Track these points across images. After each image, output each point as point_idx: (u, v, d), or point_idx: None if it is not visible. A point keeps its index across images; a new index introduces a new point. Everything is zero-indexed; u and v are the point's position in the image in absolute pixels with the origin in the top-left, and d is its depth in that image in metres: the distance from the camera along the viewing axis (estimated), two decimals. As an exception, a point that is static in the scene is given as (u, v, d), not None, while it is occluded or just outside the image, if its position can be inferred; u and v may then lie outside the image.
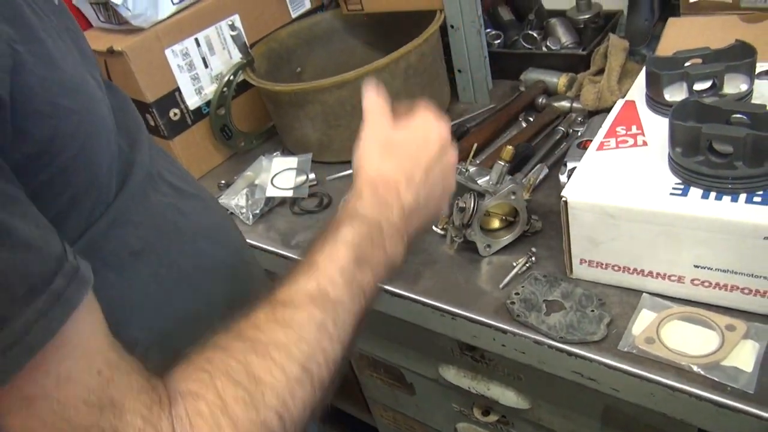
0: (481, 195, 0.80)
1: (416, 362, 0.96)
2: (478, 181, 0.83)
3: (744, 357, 0.61)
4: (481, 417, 0.92)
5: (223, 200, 1.05)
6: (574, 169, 0.82)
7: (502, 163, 0.82)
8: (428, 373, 0.95)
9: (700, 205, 0.63)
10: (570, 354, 0.68)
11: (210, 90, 1.17)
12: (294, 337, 0.44)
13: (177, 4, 1.10)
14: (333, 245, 0.49)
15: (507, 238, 0.82)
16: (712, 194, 0.63)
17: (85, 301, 0.36)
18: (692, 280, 0.67)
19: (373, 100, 0.60)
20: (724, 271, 0.64)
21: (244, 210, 1.04)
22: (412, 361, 0.97)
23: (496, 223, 0.84)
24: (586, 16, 1.18)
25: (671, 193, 0.65)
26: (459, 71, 1.18)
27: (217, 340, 0.43)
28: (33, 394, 0.34)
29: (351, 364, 1.11)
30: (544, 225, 0.84)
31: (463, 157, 0.93)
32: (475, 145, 0.86)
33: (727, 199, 0.62)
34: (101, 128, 0.46)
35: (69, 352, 0.35)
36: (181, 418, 0.38)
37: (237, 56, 1.15)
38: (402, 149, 0.56)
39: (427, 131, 0.58)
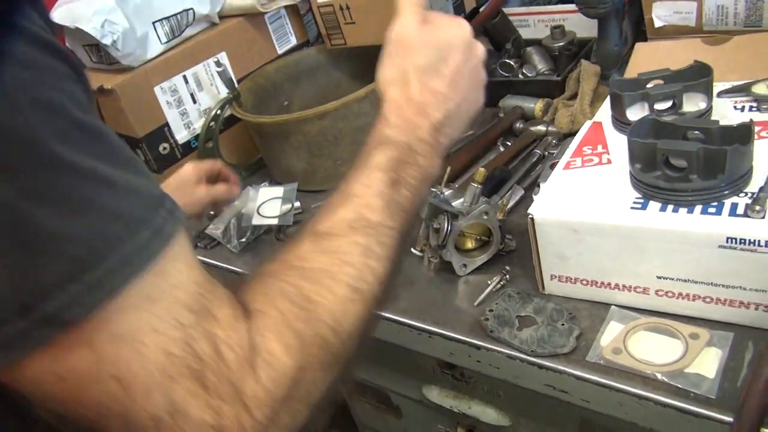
0: (454, 216, 0.82)
1: (401, 383, 0.97)
2: (453, 203, 0.86)
3: (707, 364, 0.63)
4: (466, 437, 0.93)
5: (211, 229, 1.08)
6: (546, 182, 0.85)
7: (476, 185, 0.84)
8: (413, 394, 0.96)
9: (658, 217, 0.65)
10: (541, 367, 0.69)
11: (198, 124, 1.21)
12: (339, 264, 0.46)
13: (165, 43, 1.15)
14: (366, 172, 0.51)
15: (481, 258, 0.85)
16: (670, 207, 0.66)
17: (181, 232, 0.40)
18: (656, 291, 0.69)
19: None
20: (685, 280, 0.66)
21: (231, 239, 1.06)
22: (396, 382, 0.98)
23: (471, 244, 0.86)
24: (561, 44, 1.23)
25: (632, 207, 0.68)
26: (439, 100, 1.22)
27: (266, 268, 0.46)
28: (152, 294, 0.37)
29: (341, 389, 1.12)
30: (518, 244, 0.87)
31: (437, 182, 0.96)
32: (449, 169, 0.89)
33: (683, 211, 0.65)
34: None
35: (176, 264, 0.39)
36: (257, 328, 0.41)
37: (224, 91, 1.20)
38: (427, 60, 0.56)
39: (448, 33, 0.57)
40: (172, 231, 0.39)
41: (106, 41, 1.05)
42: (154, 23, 1.12)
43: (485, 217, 0.82)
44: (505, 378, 0.74)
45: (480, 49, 0.61)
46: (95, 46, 1.12)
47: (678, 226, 0.63)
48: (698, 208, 0.64)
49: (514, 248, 0.86)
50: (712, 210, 0.64)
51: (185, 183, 0.95)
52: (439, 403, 0.90)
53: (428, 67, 0.56)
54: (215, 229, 1.09)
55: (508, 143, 1.12)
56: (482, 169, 0.84)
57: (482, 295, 0.80)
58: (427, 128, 0.54)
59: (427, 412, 0.97)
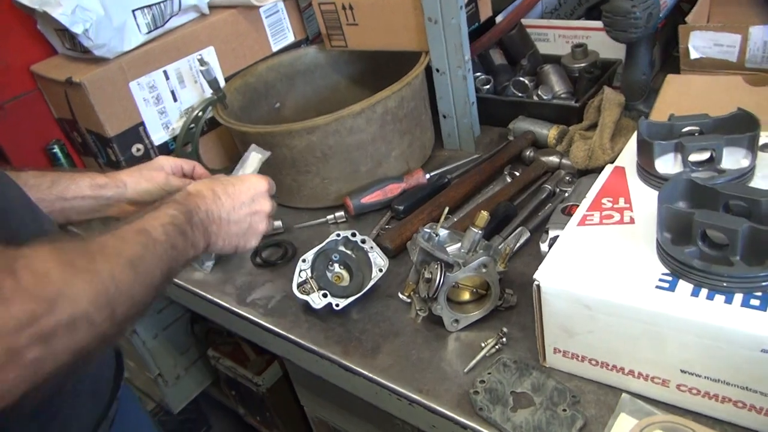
0: (449, 266, 0.72)
1: (376, 439, 0.87)
2: (449, 248, 0.75)
3: (734, 485, 0.53)
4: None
5: None
6: (555, 238, 0.74)
7: (476, 230, 0.74)
8: (389, 452, 0.87)
9: (689, 304, 0.55)
10: (536, 462, 0.59)
11: (178, 125, 1.10)
12: (122, 244, 0.54)
13: (146, 34, 1.04)
14: (156, 211, 0.62)
15: (476, 314, 0.74)
16: (704, 291, 0.55)
17: None
18: (678, 386, 0.58)
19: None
20: (715, 380, 0.55)
21: (200, 259, 0.96)
22: (371, 436, 0.88)
23: (465, 296, 0.76)
24: (582, 65, 1.12)
25: (657, 287, 0.57)
26: (444, 117, 1.11)
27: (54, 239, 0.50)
28: None
29: (310, 428, 1.03)
30: (520, 299, 0.77)
31: (434, 218, 0.86)
32: (447, 209, 0.79)
33: (720, 299, 0.54)
34: None
35: None
36: (20, 254, 0.45)
37: (209, 90, 1.09)
38: (220, 183, 0.74)
39: (247, 180, 0.77)
40: None
41: (77, 29, 0.94)
42: (134, 11, 1.01)
43: (484, 270, 0.72)
44: (493, 465, 0.64)
45: (266, 204, 0.78)
46: (67, 31, 1.01)
47: (713, 318, 0.53)
48: (739, 297, 0.54)
49: (514, 304, 0.76)
50: (755, 302, 0.53)
51: (146, 166, 0.90)
52: (416, 468, 0.80)
53: (222, 184, 0.74)
54: None
55: (516, 173, 1.01)
56: (485, 213, 0.74)
57: (474, 361, 0.70)
58: (204, 210, 0.69)
59: (403, 471, 0.87)
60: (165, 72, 1.06)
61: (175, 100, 1.09)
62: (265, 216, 0.77)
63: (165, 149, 1.10)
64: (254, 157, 0.92)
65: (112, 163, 1.07)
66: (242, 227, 0.74)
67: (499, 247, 0.79)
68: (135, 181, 0.87)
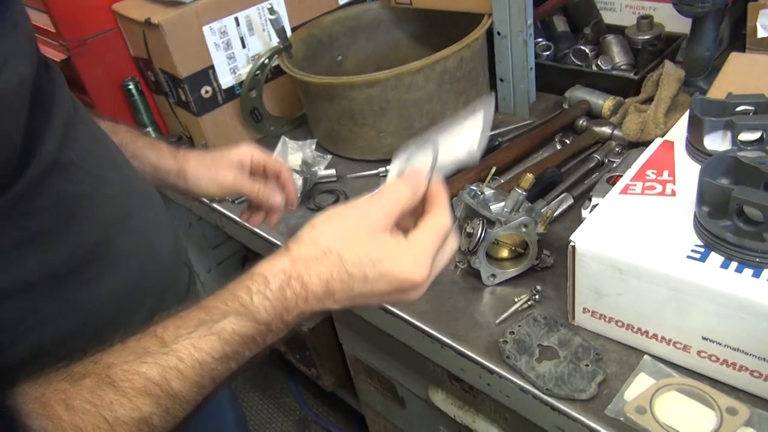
0: (490, 222, 0.75)
1: (408, 379, 0.93)
2: (492, 207, 0.79)
3: (740, 447, 0.56)
4: (466, 446, 0.89)
5: None
6: (597, 205, 0.77)
7: (520, 191, 0.77)
8: (419, 392, 0.93)
9: (717, 274, 0.57)
10: (554, 408, 0.64)
11: (245, 71, 1.15)
12: (100, 421, 0.40)
13: (221, -19, 1.08)
14: (206, 332, 0.45)
15: (513, 271, 0.78)
16: (733, 264, 0.58)
17: None
18: (699, 352, 0.61)
19: (399, 187, 0.52)
20: (735, 349, 0.58)
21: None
22: (404, 377, 0.94)
23: (504, 253, 0.79)
24: (646, 37, 1.11)
25: (688, 256, 0.60)
26: (501, 80, 1.13)
27: (40, 380, 0.41)
28: None
29: (347, 365, 1.10)
30: (556, 261, 0.80)
31: (481, 178, 0.89)
32: (494, 169, 0.82)
33: (748, 272, 0.57)
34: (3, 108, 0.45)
35: None
36: None
37: (276, 39, 1.13)
38: (345, 268, 0.48)
39: (386, 271, 0.49)
40: None
41: (158, -28, 1.00)
42: (211, -42, 1.06)
43: (524, 230, 0.75)
44: (514, 408, 0.69)
45: (411, 297, 0.51)
46: (149, -26, 1.07)
47: (739, 290, 0.55)
48: (766, 272, 0.56)
49: (550, 265, 0.79)
50: (782, 278, 0.55)
51: (222, 158, 0.77)
52: (443, 409, 0.86)
53: (358, 270, 0.48)
54: None
55: (567, 141, 1.03)
56: (530, 175, 0.76)
57: (506, 313, 0.74)
58: (296, 315, 0.48)
59: (431, 412, 0.93)
60: (236, 18, 1.11)
61: (243, 46, 1.14)
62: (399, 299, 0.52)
63: (231, 93, 1.16)
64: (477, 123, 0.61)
65: (182, 103, 1.14)
66: (369, 303, 0.52)
67: (542, 210, 0.82)
68: (197, 177, 0.76)
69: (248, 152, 0.78)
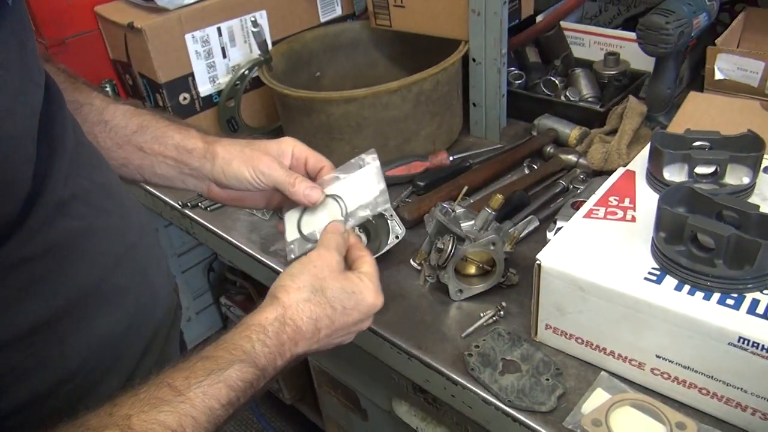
0: (460, 239, 0.78)
1: (372, 390, 0.95)
2: (463, 224, 0.82)
3: (687, 460, 0.59)
4: (426, 459, 0.91)
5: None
6: (561, 228, 0.80)
7: (489, 211, 0.80)
8: (382, 404, 0.94)
9: (671, 296, 0.61)
10: (515, 420, 0.66)
11: (224, 80, 1.17)
12: None
13: (206, -10, 1.10)
14: (215, 380, 0.48)
15: (480, 287, 0.81)
16: (686, 287, 0.62)
17: None
18: (652, 369, 0.65)
19: (337, 236, 0.64)
20: (685, 367, 0.62)
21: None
22: (368, 388, 0.96)
23: (472, 269, 0.82)
24: (612, 73, 1.17)
25: (645, 278, 0.63)
26: (474, 105, 1.17)
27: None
28: None
29: (309, 377, 1.10)
30: (521, 279, 0.83)
31: (453, 197, 0.92)
32: (465, 188, 0.85)
33: (700, 295, 0.61)
34: (10, 150, 0.42)
35: None
36: None
37: (257, 52, 1.15)
38: (329, 303, 0.58)
39: (359, 299, 0.60)
40: None
41: (145, -22, 1.01)
42: (198, -33, 1.07)
43: (492, 247, 0.78)
44: (476, 420, 0.71)
45: (368, 324, 0.63)
46: (134, -20, 1.08)
47: (690, 311, 0.59)
48: (716, 296, 0.60)
49: (515, 283, 0.82)
50: (730, 302, 0.59)
51: (260, 145, 0.71)
52: (406, 421, 0.88)
53: (339, 303, 0.58)
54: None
55: (534, 166, 1.07)
56: (500, 196, 0.80)
57: (472, 327, 0.77)
58: (289, 357, 0.55)
59: (393, 424, 0.95)
60: (219, 28, 1.13)
61: (224, 56, 1.16)
62: (360, 330, 0.63)
63: (209, 101, 1.17)
64: (370, 176, 0.76)
65: (159, 109, 1.14)
66: (342, 338, 0.61)
67: (509, 230, 0.85)
68: (227, 158, 0.68)
69: (290, 145, 0.72)
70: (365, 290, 0.60)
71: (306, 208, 0.74)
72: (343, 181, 0.75)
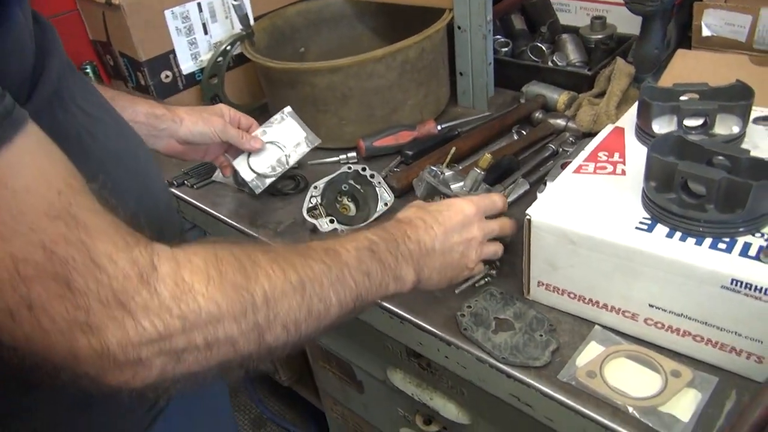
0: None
1: (366, 361, 0.94)
2: (452, 186, 0.81)
3: (683, 406, 0.59)
4: (423, 426, 0.90)
5: (218, 177, 1.06)
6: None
7: (478, 171, 0.79)
8: (377, 373, 0.93)
9: (663, 243, 0.60)
10: (509, 376, 0.65)
11: (206, 57, 1.15)
12: (301, 260, 0.49)
13: (184, -35, 1.08)
14: (355, 234, 0.58)
15: (469, 249, 0.80)
16: (678, 234, 0.61)
17: (31, 128, 0.39)
18: (645, 319, 0.64)
19: None
20: (678, 314, 0.61)
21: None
22: (362, 359, 0.95)
23: (462, 232, 0.81)
24: (599, 37, 1.16)
25: (636, 228, 0.63)
26: (461, 74, 1.15)
27: (228, 239, 0.49)
28: None
29: (306, 351, 1.10)
30: (512, 242, 0.82)
31: (441, 161, 0.91)
32: (454, 149, 0.84)
33: (691, 241, 0.60)
34: (18, 47, 0.45)
35: (22, 169, 0.37)
36: (164, 256, 0.42)
37: (239, 27, 1.14)
38: (430, 210, 0.66)
39: (454, 204, 0.68)
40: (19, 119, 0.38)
41: (120, -48, 0.99)
42: (175, -59, 1.06)
43: (482, 208, 0.77)
44: (471, 380, 0.71)
45: (476, 231, 0.67)
46: (110, -44, 1.06)
47: (683, 256, 0.58)
48: (708, 241, 0.59)
49: (506, 244, 0.81)
50: (722, 246, 0.58)
51: (206, 109, 0.89)
52: (401, 388, 0.87)
53: (431, 213, 0.66)
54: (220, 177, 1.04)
55: (523, 132, 1.06)
56: (488, 155, 0.79)
57: (464, 285, 0.76)
58: (414, 241, 0.61)
59: (388, 393, 0.94)
60: (199, 4, 1.11)
61: (205, 33, 1.14)
62: (478, 242, 0.67)
63: (192, 79, 1.15)
64: (292, 124, 0.97)
65: (141, 88, 1.12)
66: (455, 258, 0.65)
67: (500, 193, 0.84)
68: (192, 120, 0.85)
69: (226, 109, 0.91)
70: (453, 201, 0.68)
71: (250, 154, 0.94)
72: (273, 131, 0.98)
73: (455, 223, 0.65)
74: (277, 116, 0.99)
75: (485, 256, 0.69)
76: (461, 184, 0.80)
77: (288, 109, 0.99)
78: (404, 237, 0.61)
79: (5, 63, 0.43)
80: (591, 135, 0.99)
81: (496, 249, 0.71)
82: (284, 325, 0.47)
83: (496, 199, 0.71)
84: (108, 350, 0.39)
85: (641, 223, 0.63)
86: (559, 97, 1.09)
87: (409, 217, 0.64)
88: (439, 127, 1.08)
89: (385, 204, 0.87)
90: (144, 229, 0.44)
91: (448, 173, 0.82)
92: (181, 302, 0.41)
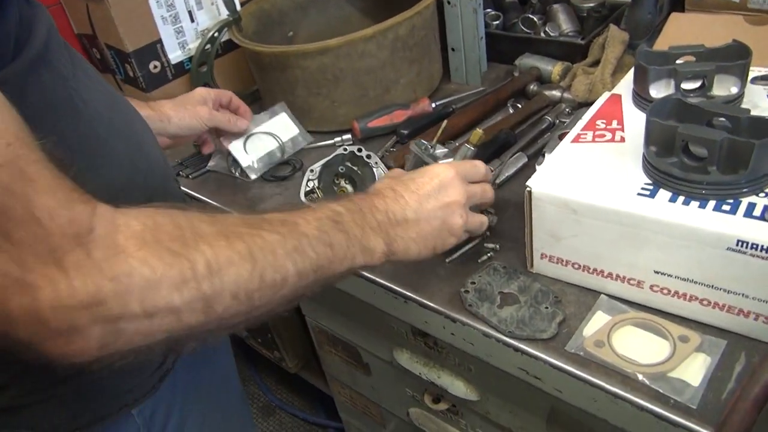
0: None
1: (372, 343, 0.94)
2: (440, 162, 0.79)
3: (693, 370, 0.58)
4: (432, 404, 0.90)
5: (211, 165, 1.05)
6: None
7: (469, 147, 0.77)
8: (383, 355, 0.93)
9: (666, 208, 0.60)
10: (516, 350, 0.65)
11: (194, 45, 1.13)
12: (252, 232, 0.47)
13: (166, -49, 1.06)
14: (318, 204, 0.57)
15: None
16: (681, 198, 0.60)
17: None
18: (651, 286, 0.64)
19: None
20: (684, 279, 0.61)
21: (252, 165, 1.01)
22: (368, 341, 0.94)
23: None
24: (590, 5, 1.14)
25: (638, 194, 0.62)
26: (452, 50, 1.14)
27: (176, 205, 0.46)
28: None
29: (312, 338, 1.09)
30: (513, 216, 0.81)
31: (431, 137, 0.90)
32: (444, 123, 0.82)
33: (695, 204, 0.59)
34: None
35: None
36: (103, 216, 0.41)
37: (225, 13, 1.12)
38: (403, 179, 0.64)
39: (430, 169, 0.65)
40: None
41: (100, -59, 0.97)
42: (155, -72, 1.03)
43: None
44: (478, 355, 0.70)
45: (457, 193, 0.64)
46: (90, -54, 1.04)
47: (687, 220, 0.58)
48: (712, 203, 0.59)
49: (494, 224, 0.79)
50: (726, 207, 0.58)
51: (188, 99, 0.91)
52: (408, 368, 0.87)
53: (403, 181, 0.64)
54: (215, 165, 1.03)
55: (519, 105, 1.05)
56: (479, 131, 0.76)
57: (458, 252, 0.75)
58: (382, 211, 0.60)
59: (396, 374, 0.94)
60: (183, -9, 1.09)
61: (192, 20, 1.12)
62: (460, 206, 0.64)
63: (181, 68, 1.13)
64: (286, 119, 1.02)
65: (130, 80, 1.11)
66: (434, 225, 0.62)
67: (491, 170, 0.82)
68: (179, 116, 0.87)
69: (206, 92, 0.92)
70: (427, 168, 0.66)
71: (246, 141, 0.98)
72: (268, 123, 1.02)
73: (430, 188, 0.63)
74: (271, 109, 1.03)
75: (471, 225, 0.66)
76: (450, 160, 0.79)
77: (282, 103, 1.04)
78: (371, 208, 0.59)
79: None
80: (587, 105, 0.98)
81: (482, 220, 0.68)
82: (234, 294, 0.45)
83: (477, 164, 0.69)
84: (40, 312, 0.38)
85: (643, 189, 0.62)
86: (554, 68, 1.07)
87: (378, 189, 0.63)
88: (433, 105, 1.07)
89: None
90: (135, 195, 0.46)
91: (440, 151, 0.80)
92: (113, 264, 0.40)
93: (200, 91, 0.92)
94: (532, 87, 1.07)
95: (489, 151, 0.91)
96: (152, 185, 0.63)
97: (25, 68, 0.49)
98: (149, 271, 0.41)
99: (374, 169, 0.88)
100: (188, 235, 0.44)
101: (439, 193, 0.63)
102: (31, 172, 0.39)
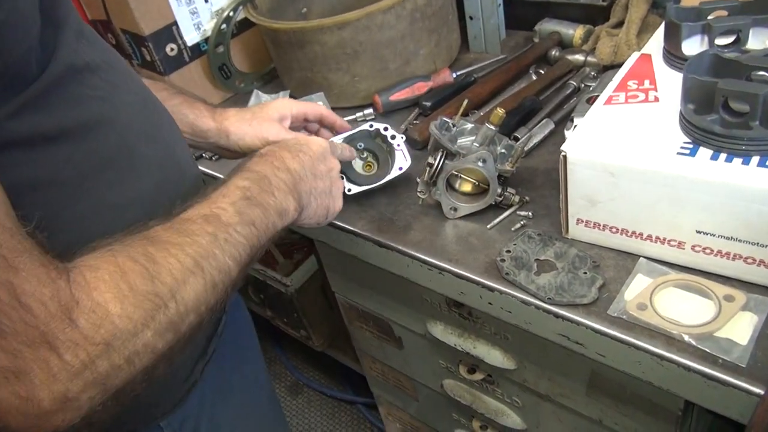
0: (451, 154, 0.75)
1: (405, 316, 0.94)
2: (462, 141, 0.77)
3: (740, 329, 0.58)
4: (467, 375, 0.90)
5: None
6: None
7: (490, 126, 0.76)
8: (416, 328, 0.93)
9: (708, 166, 0.58)
10: (557, 316, 0.65)
11: (209, 26, 1.12)
12: (188, 240, 0.49)
13: (177, -69, 1.05)
14: (225, 186, 0.57)
15: (472, 206, 0.77)
16: (722, 155, 0.59)
17: None
18: (693, 247, 0.63)
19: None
20: (728, 238, 0.60)
21: None
22: (400, 315, 0.95)
23: (468, 187, 0.78)
24: (610, -36, 1.11)
25: (678, 153, 0.61)
26: (470, 18, 1.12)
27: (115, 238, 0.47)
28: None
29: (341, 314, 1.10)
30: (544, 184, 0.80)
31: (454, 109, 0.88)
32: (466, 102, 0.81)
33: (738, 161, 0.58)
34: (17, 18, 0.44)
35: None
36: (78, 282, 0.42)
37: (239, -9, 1.10)
38: (290, 144, 0.68)
39: (310, 139, 0.71)
40: None
41: (111, -77, 0.96)
42: None
43: (480, 164, 0.74)
44: (517, 323, 0.70)
45: (335, 162, 0.72)
46: (100, -71, 1.03)
47: (730, 178, 0.57)
48: (755, 159, 0.57)
49: (516, 203, 0.77)
50: (770, 163, 0.57)
51: (261, 113, 0.80)
52: (442, 339, 0.87)
53: (290, 145, 0.67)
54: None
55: (541, 71, 1.03)
56: (499, 111, 0.74)
57: (497, 219, 0.75)
58: (284, 170, 0.62)
59: (429, 346, 0.94)
60: (196, -29, 1.07)
61: (206, 1, 1.11)
62: (337, 175, 0.71)
63: (197, 50, 1.12)
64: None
65: (147, 64, 1.10)
66: (326, 184, 0.68)
67: (515, 146, 0.79)
68: (239, 133, 0.78)
69: (287, 106, 0.81)
70: (306, 138, 0.72)
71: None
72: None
73: (317, 152, 0.68)
74: (308, 97, 1.01)
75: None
76: (472, 138, 0.77)
77: (320, 94, 1.01)
78: (273, 170, 0.61)
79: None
80: (612, 67, 0.96)
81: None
82: (195, 310, 0.48)
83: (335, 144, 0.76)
84: (33, 398, 0.39)
85: (683, 148, 0.61)
86: (575, 32, 1.05)
87: (271, 150, 0.65)
88: (454, 75, 1.05)
89: (400, 168, 0.83)
90: (167, 202, 0.47)
91: (469, 126, 0.78)
92: (99, 329, 0.41)
93: (280, 105, 0.81)
94: (553, 52, 1.05)
95: (515, 119, 0.90)
96: (183, 191, 0.61)
97: (50, 83, 0.48)
98: (130, 324, 0.43)
99: (396, 152, 0.85)
100: (149, 266, 0.45)
101: (324, 159, 0.69)
102: (14, 260, 0.38)
